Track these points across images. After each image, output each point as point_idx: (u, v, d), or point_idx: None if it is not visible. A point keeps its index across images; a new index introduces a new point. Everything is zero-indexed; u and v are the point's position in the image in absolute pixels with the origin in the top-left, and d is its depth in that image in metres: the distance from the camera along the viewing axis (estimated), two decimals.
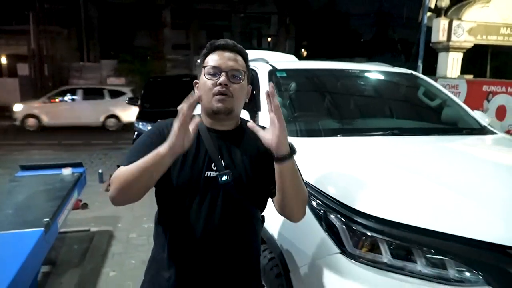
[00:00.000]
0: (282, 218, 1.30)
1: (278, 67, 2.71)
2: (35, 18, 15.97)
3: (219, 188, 1.20)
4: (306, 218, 1.32)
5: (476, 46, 9.92)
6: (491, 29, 9.42)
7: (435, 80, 9.07)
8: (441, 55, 9.79)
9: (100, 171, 5.85)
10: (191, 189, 1.20)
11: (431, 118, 2.83)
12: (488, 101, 7.62)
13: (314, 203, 1.54)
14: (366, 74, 3.08)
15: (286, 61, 3.92)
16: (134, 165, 1.10)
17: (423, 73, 9.81)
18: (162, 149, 1.05)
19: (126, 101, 8.81)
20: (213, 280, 1.25)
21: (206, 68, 1.23)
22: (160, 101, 7.12)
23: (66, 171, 3.35)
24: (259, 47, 23.33)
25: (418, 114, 2.90)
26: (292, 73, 2.82)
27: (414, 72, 3.09)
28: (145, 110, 7.13)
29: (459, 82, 8.44)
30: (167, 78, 10.19)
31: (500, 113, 7.34)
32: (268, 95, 1.06)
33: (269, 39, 24.83)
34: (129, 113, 11.61)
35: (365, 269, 1.33)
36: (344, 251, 1.39)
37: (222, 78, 1.19)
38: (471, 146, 2.29)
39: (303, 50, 27.30)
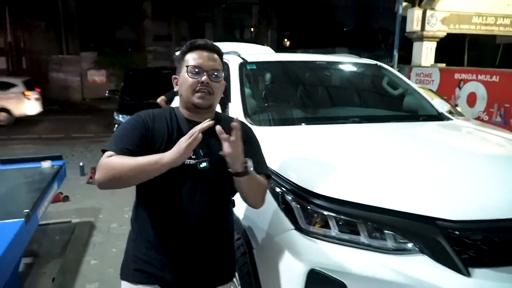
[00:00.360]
0: None
1: (249, 60, 2.84)
2: (11, 11, 15.59)
3: (199, 174, 1.33)
4: (266, 200, 1.49)
5: (455, 36, 10.18)
6: (463, 18, 9.69)
7: (410, 69, 9.37)
8: (416, 45, 10.04)
9: (81, 164, 5.88)
10: (173, 176, 1.30)
11: (393, 106, 2.99)
12: (460, 88, 7.89)
13: (273, 186, 1.68)
14: (334, 66, 3.23)
15: (260, 53, 4.04)
16: (131, 162, 1.22)
17: (401, 62, 10.08)
18: (165, 160, 1.20)
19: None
20: (193, 258, 1.38)
21: (188, 67, 1.36)
22: (140, 93, 7.14)
23: (46, 164, 3.41)
24: (241, 38, 23.27)
25: (382, 102, 3.06)
26: (262, 66, 2.95)
27: (379, 63, 3.25)
28: (125, 102, 7.14)
29: (432, 70, 8.69)
30: (147, 71, 10.18)
31: (471, 100, 7.59)
32: (234, 128, 1.25)
33: (252, 29, 24.78)
34: (23, 107, 10.98)
35: (316, 242, 1.49)
36: (298, 228, 1.55)
37: (204, 77, 1.35)
38: (423, 131, 2.47)
39: (286, 40, 27.35)
